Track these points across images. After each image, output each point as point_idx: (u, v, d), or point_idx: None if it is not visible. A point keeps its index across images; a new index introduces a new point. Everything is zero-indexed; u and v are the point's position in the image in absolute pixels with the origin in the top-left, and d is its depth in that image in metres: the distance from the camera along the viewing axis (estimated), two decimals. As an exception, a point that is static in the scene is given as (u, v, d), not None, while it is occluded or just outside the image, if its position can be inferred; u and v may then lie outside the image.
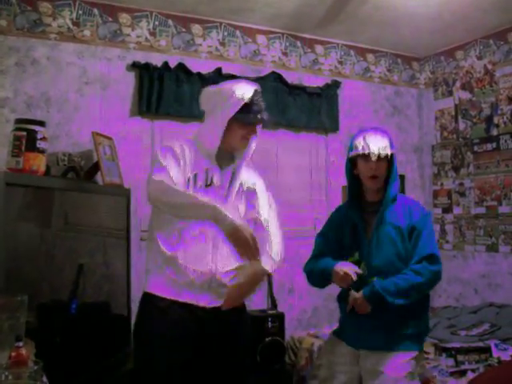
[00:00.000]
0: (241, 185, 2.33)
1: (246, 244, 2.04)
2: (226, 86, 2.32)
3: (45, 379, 1.23)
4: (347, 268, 2.48)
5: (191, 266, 2.13)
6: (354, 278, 2.45)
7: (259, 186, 2.41)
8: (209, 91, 2.37)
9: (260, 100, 2.29)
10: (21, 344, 1.45)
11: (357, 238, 2.61)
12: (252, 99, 2.24)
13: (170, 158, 2.17)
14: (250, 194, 2.36)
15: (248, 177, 2.38)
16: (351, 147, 2.59)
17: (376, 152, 2.48)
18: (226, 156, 2.32)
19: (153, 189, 2.12)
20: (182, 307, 2.15)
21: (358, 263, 2.54)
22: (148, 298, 2.22)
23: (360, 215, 2.64)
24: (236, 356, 2.29)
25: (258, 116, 2.25)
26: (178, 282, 2.14)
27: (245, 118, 2.23)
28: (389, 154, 2.52)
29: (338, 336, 2.69)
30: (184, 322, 2.15)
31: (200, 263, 2.15)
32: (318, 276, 2.65)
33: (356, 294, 2.51)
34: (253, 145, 2.36)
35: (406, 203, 2.63)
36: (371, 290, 2.46)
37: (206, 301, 2.17)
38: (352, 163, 2.63)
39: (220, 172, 2.27)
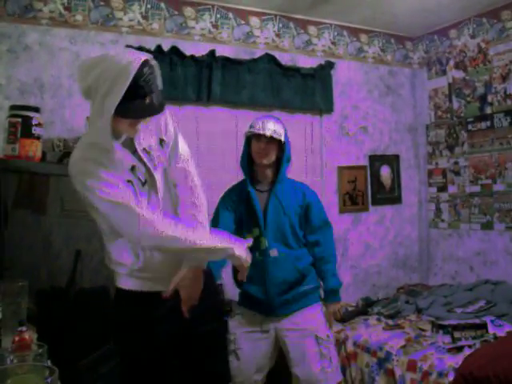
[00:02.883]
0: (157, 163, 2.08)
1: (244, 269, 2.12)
2: (106, 61, 1.80)
3: (49, 362, 1.25)
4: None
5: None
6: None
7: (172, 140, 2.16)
8: (85, 68, 1.86)
9: (150, 77, 1.80)
10: (24, 328, 1.46)
11: (253, 214, 2.91)
12: (138, 78, 1.75)
13: (108, 186, 1.85)
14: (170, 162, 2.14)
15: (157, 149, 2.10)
16: (249, 127, 2.94)
17: (268, 133, 2.83)
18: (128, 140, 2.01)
19: (147, 238, 1.91)
20: (152, 297, 2.07)
21: (258, 238, 2.85)
22: (122, 293, 2.15)
23: (254, 193, 2.96)
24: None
25: (147, 102, 1.80)
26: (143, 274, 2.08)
27: (129, 110, 1.80)
28: (280, 139, 2.88)
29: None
30: (158, 309, 2.09)
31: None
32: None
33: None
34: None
35: (297, 186, 3.05)
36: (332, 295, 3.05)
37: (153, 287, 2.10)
38: (248, 144, 2.99)
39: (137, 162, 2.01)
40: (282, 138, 2.90)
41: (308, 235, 3.00)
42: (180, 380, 2.18)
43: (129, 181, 1.94)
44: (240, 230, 2.89)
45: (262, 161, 2.91)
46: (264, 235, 2.89)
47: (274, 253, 2.88)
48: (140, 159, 2.01)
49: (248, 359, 2.93)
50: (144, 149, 2.02)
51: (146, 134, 2.03)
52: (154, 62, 1.85)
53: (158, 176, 2.05)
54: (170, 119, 2.16)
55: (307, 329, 2.90)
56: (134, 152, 2.01)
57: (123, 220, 1.88)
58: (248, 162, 3.00)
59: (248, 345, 2.95)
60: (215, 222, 2.90)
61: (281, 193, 2.94)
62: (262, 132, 2.85)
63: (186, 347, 2.17)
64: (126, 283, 2.12)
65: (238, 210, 2.96)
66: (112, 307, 2.21)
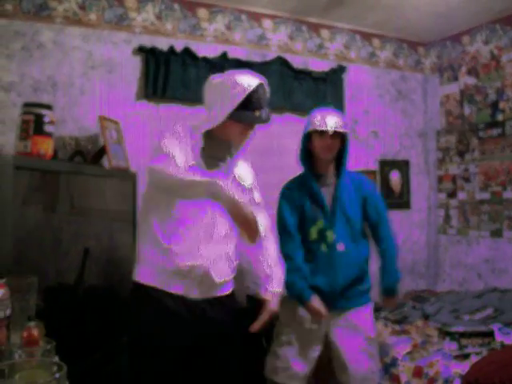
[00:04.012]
0: (237, 178, 2.33)
1: (247, 220, 1.91)
2: (227, 79, 2.21)
3: (57, 358, 1.26)
4: (320, 306, 2.81)
5: (185, 259, 2.13)
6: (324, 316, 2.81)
7: (255, 189, 2.47)
8: (210, 84, 2.28)
9: (262, 96, 2.20)
10: (32, 324, 1.47)
11: (316, 207, 2.88)
12: (253, 95, 2.15)
13: (174, 145, 2.13)
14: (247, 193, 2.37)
15: (244, 173, 2.41)
16: (308, 123, 2.90)
17: (332, 128, 2.79)
18: (224, 146, 2.31)
19: (153, 172, 2.10)
20: (174, 298, 2.15)
21: (323, 231, 2.85)
22: (141, 289, 2.23)
23: (317, 186, 2.93)
24: (231, 343, 2.32)
25: (257, 115, 2.17)
26: (171, 274, 2.15)
27: (242, 116, 2.17)
28: (343, 131, 2.85)
29: None
30: (176, 312, 2.15)
31: (194, 256, 2.14)
32: (293, 292, 2.84)
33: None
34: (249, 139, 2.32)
35: (355, 178, 3.02)
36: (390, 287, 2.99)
37: (196, 295, 2.18)
38: (307, 139, 2.94)
39: (217, 164, 2.28)
40: (346, 131, 2.88)
41: (369, 228, 3.01)
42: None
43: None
44: (303, 224, 2.89)
45: (327, 156, 2.90)
46: (331, 228, 2.86)
47: (340, 247, 2.85)
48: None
49: (295, 353, 2.90)
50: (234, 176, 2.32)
51: (244, 167, 2.43)
52: (264, 81, 2.24)
53: None
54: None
55: (360, 328, 2.89)
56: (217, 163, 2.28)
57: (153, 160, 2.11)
58: (305, 155, 2.97)
59: (297, 338, 2.91)
60: (280, 218, 2.92)
61: (345, 186, 2.92)
62: (324, 128, 2.81)
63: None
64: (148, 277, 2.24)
65: (301, 205, 2.92)
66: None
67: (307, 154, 2.96)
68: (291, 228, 2.89)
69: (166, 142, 2.13)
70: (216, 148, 2.27)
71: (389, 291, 3.01)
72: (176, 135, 2.17)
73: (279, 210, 2.96)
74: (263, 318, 2.28)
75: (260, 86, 2.19)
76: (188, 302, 2.17)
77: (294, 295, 2.83)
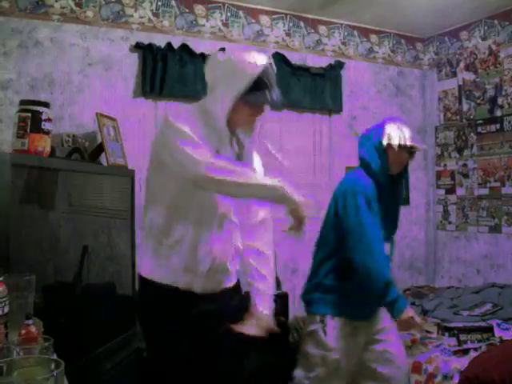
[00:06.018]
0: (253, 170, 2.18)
1: (304, 218, 1.91)
2: (235, 56, 2.02)
3: (55, 355, 1.25)
4: (417, 319, 2.53)
5: (196, 252, 2.05)
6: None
7: None
8: (216, 60, 2.07)
9: (272, 74, 2.01)
10: (30, 322, 1.47)
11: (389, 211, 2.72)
12: (264, 74, 1.96)
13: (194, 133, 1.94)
14: None
15: (258, 168, 2.27)
16: (383, 134, 2.71)
17: (418, 148, 2.73)
18: (223, 134, 2.08)
19: (203, 166, 1.86)
20: (181, 293, 2.07)
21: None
22: (149, 284, 2.12)
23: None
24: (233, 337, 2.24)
25: (269, 96, 1.98)
26: (179, 268, 2.06)
27: (254, 97, 1.97)
28: (420, 148, 2.77)
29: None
30: (185, 307, 2.08)
31: (204, 249, 2.06)
32: (382, 291, 2.53)
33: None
34: (258, 124, 2.12)
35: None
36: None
37: (201, 286, 2.09)
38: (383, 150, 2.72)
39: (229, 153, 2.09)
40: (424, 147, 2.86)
41: None
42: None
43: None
44: None
45: (398, 170, 2.75)
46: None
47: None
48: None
49: (337, 366, 2.62)
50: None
51: (257, 158, 2.27)
52: (272, 60, 2.04)
53: None
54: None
55: (391, 324, 2.68)
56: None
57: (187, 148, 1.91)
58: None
59: (340, 350, 2.64)
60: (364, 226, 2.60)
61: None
62: (408, 143, 2.65)
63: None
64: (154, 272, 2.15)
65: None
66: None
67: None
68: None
69: (187, 129, 1.94)
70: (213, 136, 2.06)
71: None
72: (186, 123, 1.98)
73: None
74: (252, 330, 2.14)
75: (270, 63, 2.02)
76: (192, 296, 2.09)
77: (382, 291, 2.51)
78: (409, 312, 2.49)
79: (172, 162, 1.97)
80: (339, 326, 2.61)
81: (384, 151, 2.70)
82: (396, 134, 2.66)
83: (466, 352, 3.19)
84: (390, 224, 2.74)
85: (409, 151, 2.71)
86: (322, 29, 4.80)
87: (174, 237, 2.04)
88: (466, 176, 4.89)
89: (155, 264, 2.11)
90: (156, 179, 2.11)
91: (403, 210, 5.12)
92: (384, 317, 2.69)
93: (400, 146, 2.64)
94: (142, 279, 2.15)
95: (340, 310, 2.63)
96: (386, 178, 2.71)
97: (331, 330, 2.60)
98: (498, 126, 4.57)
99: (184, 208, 2.03)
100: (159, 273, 2.09)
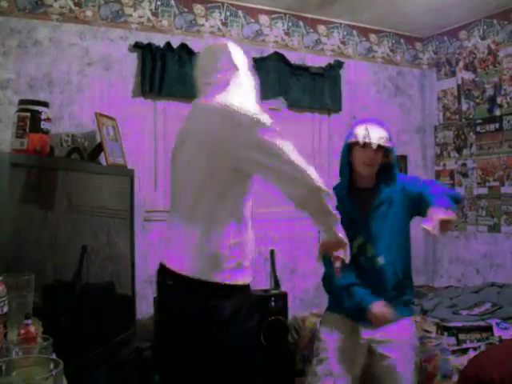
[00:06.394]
0: None
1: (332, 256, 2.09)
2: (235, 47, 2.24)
3: (54, 355, 1.25)
4: (384, 310, 2.59)
5: (251, 249, 2.03)
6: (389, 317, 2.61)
7: None
8: (230, 47, 2.20)
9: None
10: (29, 321, 1.47)
11: (355, 221, 2.66)
12: None
13: None
14: None
15: None
16: (351, 134, 2.67)
17: (376, 142, 2.58)
18: None
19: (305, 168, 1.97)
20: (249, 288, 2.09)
21: (364, 246, 2.69)
22: (234, 289, 1.98)
23: (356, 200, 2.73)
24: None
25: None
26: (244, 266, 2.00)
27: None
28: (387, 146, 2.63)
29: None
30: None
31: (252, 248, 2.05)
32: (346, 299, 2.69)
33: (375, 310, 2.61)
34: None
35: (399, 183, 2.73)
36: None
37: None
38: (347, 151, 2.71)
39: None
40: (390, 145, 2.65)
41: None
42: None
43: None
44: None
45: (366, 172, 2.68)
46: (370, 242, 2.69)
47: (381, 260, 2.69)
48: None
49: (338, 369, 2.63)
50: None
51: None
52: None
53: None
54: None
55: (401, 339, 2.64)
56: None
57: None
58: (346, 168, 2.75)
59: (339, 354, 2.67)
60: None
61: (387, 198, 2.71)
62: (368, 141, 2.58)
63: None
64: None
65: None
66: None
67: (348, 166, 2.74)
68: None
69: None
70: None
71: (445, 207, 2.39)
72: None
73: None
74: None
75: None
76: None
77: (354, 304, 2.65)
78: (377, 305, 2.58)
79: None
80: None
81: (349, 152, 2.70)
82: (357, 132, 2.64)
83: (465, 351, 3.19)
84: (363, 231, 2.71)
85: (376, 151, 2.62)
86: (321, 28, 4.80)
87: (240, 234, 1.98)
88: (465, 175, 4.89)
89: (231, 266, 1.97)
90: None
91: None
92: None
93: (362, 144, 2.61)
94: (222, 287, 1.94)
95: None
96: (346, 179, 2.74)
97: None
98: (497, 125, 4.58)
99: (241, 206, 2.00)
100: (240, 274, 2.00)
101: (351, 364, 2.67)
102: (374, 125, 2.67)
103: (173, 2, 4.13)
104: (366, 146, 2.60)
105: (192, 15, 4.21)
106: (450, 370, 2.98)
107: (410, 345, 2.68)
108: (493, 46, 4.63)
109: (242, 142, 1.88)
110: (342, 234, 2.05)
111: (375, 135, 2.60)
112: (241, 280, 1.99)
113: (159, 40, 4.00)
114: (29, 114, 2.61)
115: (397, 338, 2.63)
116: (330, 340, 2.71)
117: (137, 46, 3.96)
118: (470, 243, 4.84)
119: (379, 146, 2.60)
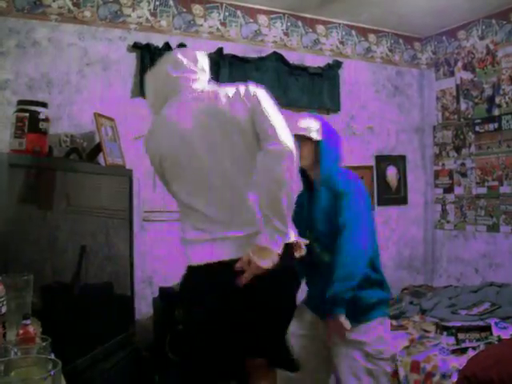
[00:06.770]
0: None
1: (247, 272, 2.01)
2: None
3: (53, 355, 1.25)
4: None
5: None
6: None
7: None
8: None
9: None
10: (28, 322, 1.47)
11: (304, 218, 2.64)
12: None
13: None
14: None
15: None
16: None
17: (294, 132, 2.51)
18: None
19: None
20: None
21: (312, 242, 2.59)
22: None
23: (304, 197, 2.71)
24: None
25: None
26: None
27: None
28: (311, 137, 2.61)
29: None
30: None
31: None
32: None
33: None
34: None
35: (336, 179, 2.63)
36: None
37: None
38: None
39: None
40: (314, 136, 2.61)
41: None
42: None
43: None
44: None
45: (301, 164, 2.48)
46: (316, 239, 2.61)
47: (325, 258, 2.59)
48: None
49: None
50: None
51: None
52: None
53: None
54: None
55: (356, 342, 2.52)
56: None
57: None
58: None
59: (299, 344, 2.59)
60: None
61: (323, 193, 2.62)
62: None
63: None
64: None
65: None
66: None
67: None
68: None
69: None
70: None
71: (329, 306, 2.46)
72: None
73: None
74: None
75: None
76: None
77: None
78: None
79: None
80: None
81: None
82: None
83: (464, 351, 3.20)
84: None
85: (303, 144, 2.57)
86: (320, 28, 4.80)
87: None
88: (464, 175, 4.89)
89: None
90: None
91: (401, 209, 5.15)
92: None
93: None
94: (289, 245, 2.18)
95: None
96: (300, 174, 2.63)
97: None
98: (495, 125, 4.58)
99: None
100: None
101: (311, 354, 2.67)
102: (306, 117, 2.70)
103: (171, 3, 4.13)
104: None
105: (191, 15, 4.21)
106: (448, 370, 2.99)
107: (364, 351, 2.53)
108: (491, 46, 4.63)
109: (250, 106, 2.11)
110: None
111: (296, 126, 2.58)
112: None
113: (158, 40, 4.00)
114: (27, 115, 2.61)
115: (351, 342, 2.51)
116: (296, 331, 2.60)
117: (135, 47, 3.96)
118: (468, 243, 4.84)
119: (306, 138, 2.60)
